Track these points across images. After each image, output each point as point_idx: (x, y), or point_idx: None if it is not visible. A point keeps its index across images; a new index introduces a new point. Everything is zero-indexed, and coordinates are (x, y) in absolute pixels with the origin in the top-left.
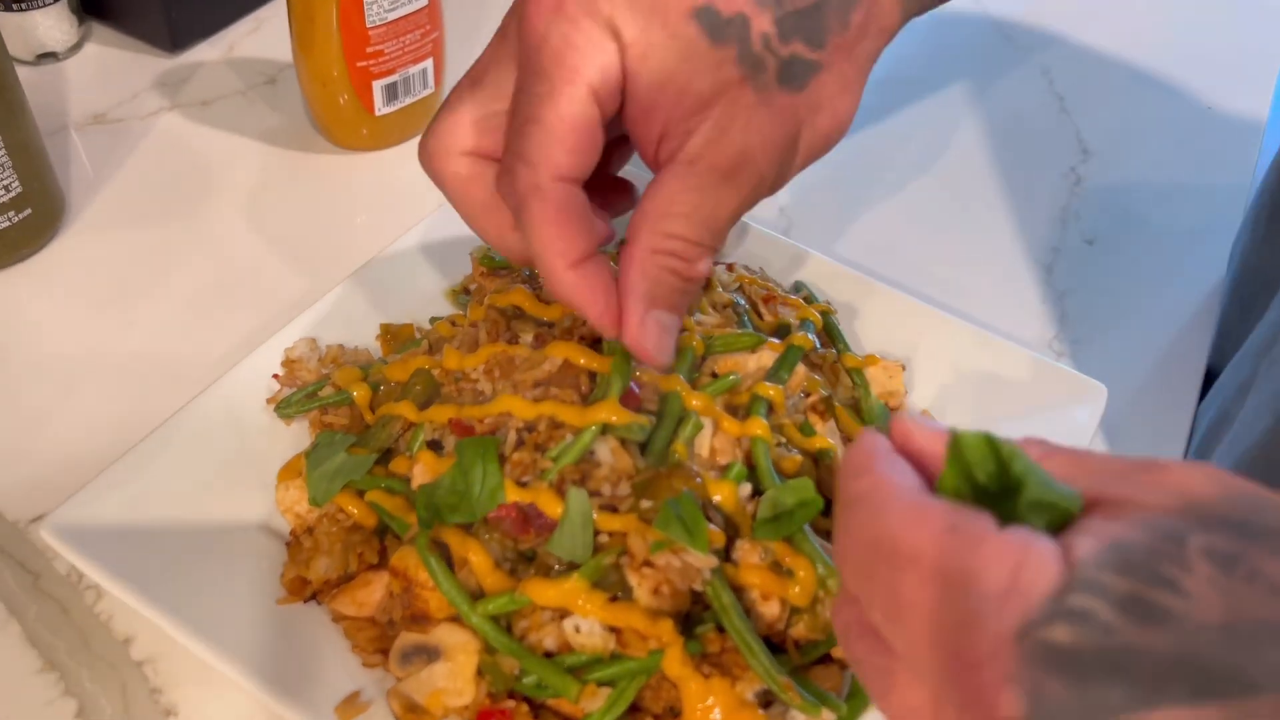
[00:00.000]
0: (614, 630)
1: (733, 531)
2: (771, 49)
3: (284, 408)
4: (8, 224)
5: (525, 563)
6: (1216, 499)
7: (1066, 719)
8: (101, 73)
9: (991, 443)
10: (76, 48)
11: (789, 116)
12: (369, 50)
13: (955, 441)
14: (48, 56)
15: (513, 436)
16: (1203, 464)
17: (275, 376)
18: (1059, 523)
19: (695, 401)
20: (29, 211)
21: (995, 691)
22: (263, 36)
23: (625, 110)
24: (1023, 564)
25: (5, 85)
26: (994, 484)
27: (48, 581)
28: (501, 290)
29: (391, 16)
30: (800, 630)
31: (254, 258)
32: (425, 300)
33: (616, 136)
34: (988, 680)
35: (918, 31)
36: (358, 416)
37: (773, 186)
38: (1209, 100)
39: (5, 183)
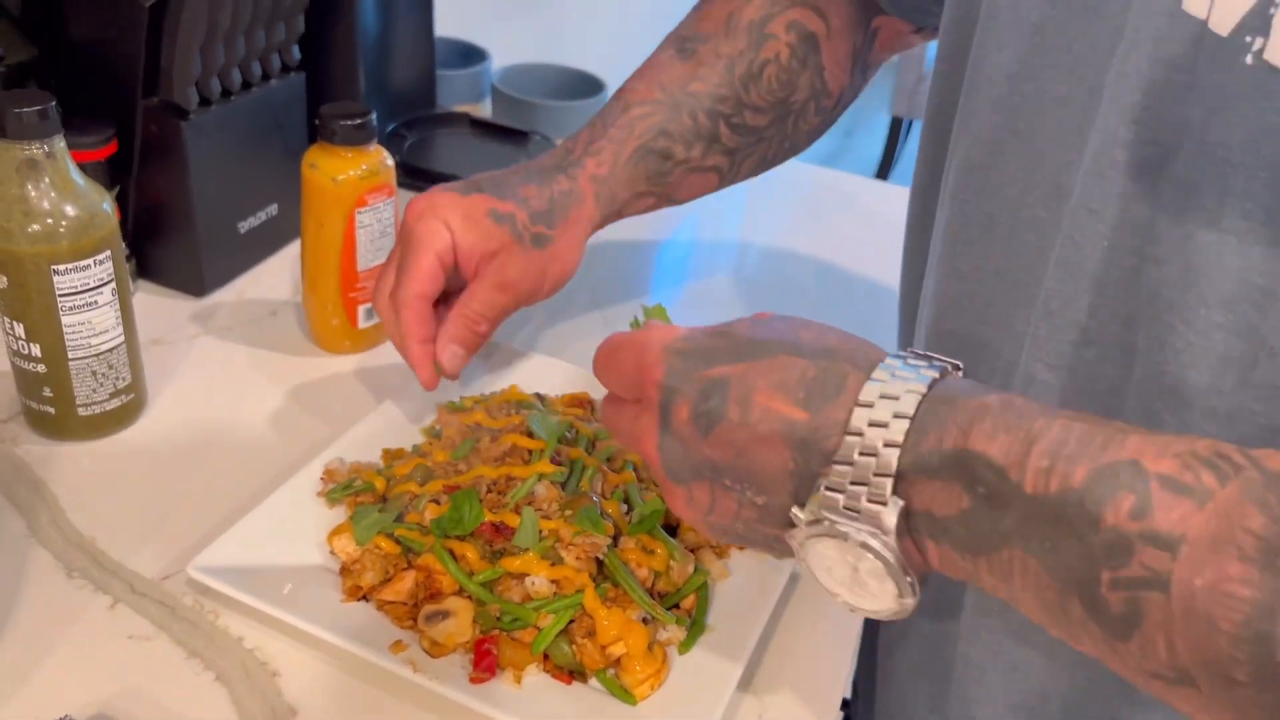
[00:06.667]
0: (554, 582)
1: (618, 530)
2: (527, 229)
3: (331, 494)
4: (119, 404)
5: (497, 556)
6: (748, 323)
7: (677, 377)
8: (153, 311)
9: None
10: (132, 294)
11: (537, 262)
12: (358, 285)
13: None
14: None
15: (484, 488)
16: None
17: (321, 479)
18: None
19: (591, 462)
20: (132, 396)
21: (653, 369)
22: (261, 286)
23: (457, 261)
24: (671, 333)
25: (128, 309)
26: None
27: (181, 609)
28: (465, 416)
29: (373, 263)
30: (661, 585)
31: (277, 422)
32: (407, 435)
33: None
34: (650, 367)
35: None
36: (379, 499)
37: (529, 299)
38: None
39: (123, 375)
